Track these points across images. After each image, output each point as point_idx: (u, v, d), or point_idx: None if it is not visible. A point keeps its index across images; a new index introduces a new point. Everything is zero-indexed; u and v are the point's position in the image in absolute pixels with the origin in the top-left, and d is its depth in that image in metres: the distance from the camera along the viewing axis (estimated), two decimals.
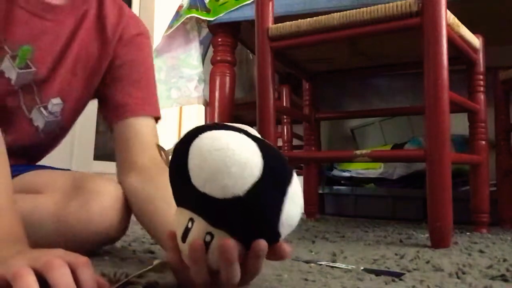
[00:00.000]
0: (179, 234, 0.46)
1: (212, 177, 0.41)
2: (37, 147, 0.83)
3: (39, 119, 0.78)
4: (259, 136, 0.46)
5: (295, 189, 0.44)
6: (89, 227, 0.65)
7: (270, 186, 0.42)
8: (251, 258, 0.44)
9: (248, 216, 0.42)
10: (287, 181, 0.43)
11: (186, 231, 0.45)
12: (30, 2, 0.72)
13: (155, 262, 0.50)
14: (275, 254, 0.44)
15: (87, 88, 0.82)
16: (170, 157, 0.49)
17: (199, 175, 0.42)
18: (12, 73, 0.73)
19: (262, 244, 0.42)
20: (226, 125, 0.46)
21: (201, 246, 0.43)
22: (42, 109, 0.78)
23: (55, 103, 0.78)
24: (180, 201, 0.47)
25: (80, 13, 0.78)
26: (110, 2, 0.82)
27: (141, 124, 0.78)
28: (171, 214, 0.49)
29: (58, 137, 0.87)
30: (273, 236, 0.44)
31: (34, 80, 0.75)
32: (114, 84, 0.81)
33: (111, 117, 0.80)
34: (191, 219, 0.45)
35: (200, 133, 0.44)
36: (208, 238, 0.43)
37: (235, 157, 0.41)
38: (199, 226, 0.44)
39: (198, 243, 0.43)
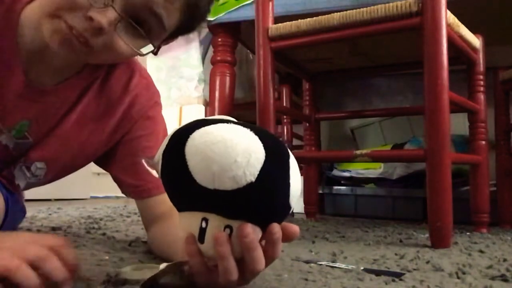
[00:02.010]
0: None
1: (220, 172, 0.41)
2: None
3: (21, 178, 0.77)
4: (240, 122, 0.47)
5: (294, 161, 0.45)
6: None
7: (276, 164, 0.43)
8: (269, 243, 0.45)
9: (262, 198, 0.43)
10: (287, 156, 0.45)
11: (202, 231, 0.44)
12: (25, 90, 0.68)
13: (162, 265, 0.50)
14: (286, 235, 0.46)
15: (74, 161, 0.80)
16: (159, 166, 0.48)
17: (205, 173, 0.42)
18: (10, 142, 0.72)
19: (276, 227, 0.44)
20: (207, 119, 0.47)
21: (226, 237, 0.43)
22: (24, 168, 0.76)
23: (39, 166, 0.76)
24: (185, 204, 0.47)
25: (82, 87, 0.73)
26: (120, 72, 0.77)
27: (157, 200, 0.77)
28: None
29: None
30: (285, 210, 0.45)
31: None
32: (124, 160, 0.79)
33: (129, 193, 0.81)
34: (204, 219, 0.44)
35: (190, 134, 0.44)
36: (227, 231, 0.44)
37: (236, 146, 0.42)
38: (215, 223, 0.44)
39: (222, 235, 0.43)
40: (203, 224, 0.44)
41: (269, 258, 0.46)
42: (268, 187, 0.43)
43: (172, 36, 0.68)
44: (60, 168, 0.80)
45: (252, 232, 0.43)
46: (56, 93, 0.71)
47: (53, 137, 0.74)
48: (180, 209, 0.48)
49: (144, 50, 0.65)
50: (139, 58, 0.73)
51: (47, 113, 0.72)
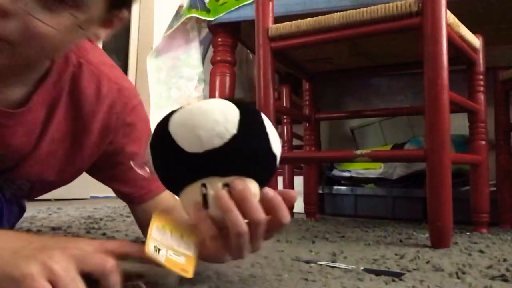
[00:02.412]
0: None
1: (204, 133, 0.46)
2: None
3: (6, 189, 0.75)
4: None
5: (265, 116, 0.52)
6: None
7: (251, 119, 0.49)
8: (272, 208, 0.48)
9: (248, 147, 0.47)
10: (258, 112, 0.52)
11: (205, 198, 0.48)
12: None
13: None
14: (285, 199, 0.50)
15: (59, 178, 0.76)
16: (149, 161, 0.50)
17: (192, 139, 0.46)
18: None
19: (270, 191, 0.49)
20: (181, 107, 0.50)
21: (225, 191, 0.47)
22: (9, 181, 0.73)
23: (23, 183, 0.74)
24: (182, 180, 0.49)
25: (48, 103, 0.66)
26: (86, 80, 0.69)
27: (152, 203, 0.78)
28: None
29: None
30: (271, 158, 0.50)
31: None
32: (113, 170, 0.78)
33: (123, 200, 0.82)
34: (203, 185, 0.47)
35: (170, 117, 0.48)
36: (226, 189, 0.47)
37: (212, 109, 0.47)
38: (214, 184, 0.47)
39: (222, 192, 0.47)
40: (204, 191, 0.47)
41: (277, 223, 0.48)
42: (250, 136, 0.48)
43: (114, 7, 0.56)
44: (44, 186, 0.78)
45: (243, 182, 0.47)
46: (21, 115, 0.64)
47: (30, 160, 0.70)
48: (179, 189, 0.50)
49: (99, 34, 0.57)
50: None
51: (19, 139, 0.66)
